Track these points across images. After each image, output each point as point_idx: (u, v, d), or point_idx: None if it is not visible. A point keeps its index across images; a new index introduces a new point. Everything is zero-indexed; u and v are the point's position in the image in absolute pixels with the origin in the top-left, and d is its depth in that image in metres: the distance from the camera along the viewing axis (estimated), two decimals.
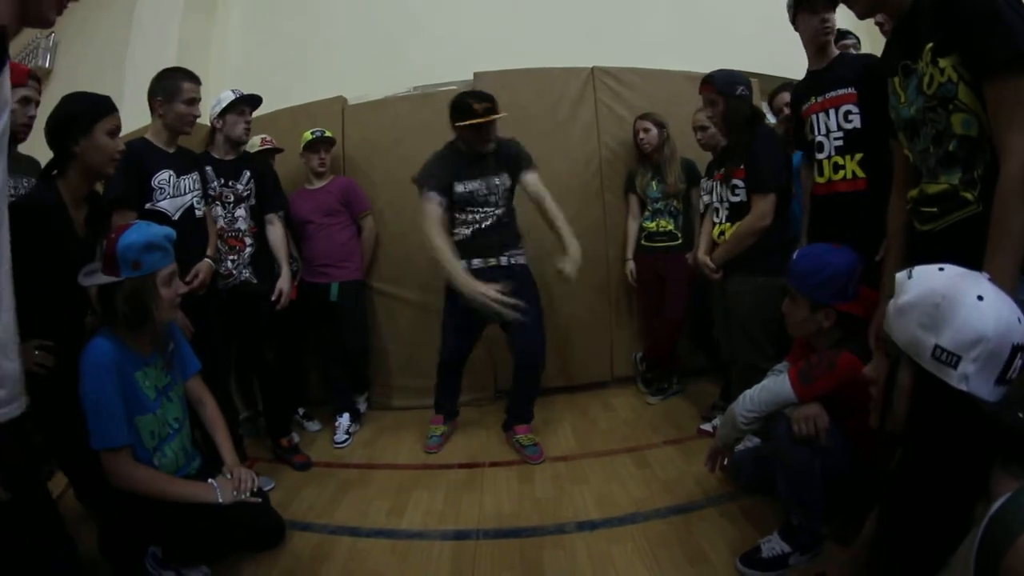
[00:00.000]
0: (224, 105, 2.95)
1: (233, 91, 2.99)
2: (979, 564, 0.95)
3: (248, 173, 3.06)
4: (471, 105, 2.88)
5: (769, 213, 2.60)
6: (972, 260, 1.18)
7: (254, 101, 3.06)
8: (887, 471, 1.27)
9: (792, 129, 2.63)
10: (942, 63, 1.40)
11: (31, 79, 2.42)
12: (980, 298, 1.03)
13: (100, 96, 2.10)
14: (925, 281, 1.10)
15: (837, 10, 2.26)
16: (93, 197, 2.17)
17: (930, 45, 1.43)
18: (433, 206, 2.89)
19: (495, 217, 3.07)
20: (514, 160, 3.06)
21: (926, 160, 1.54)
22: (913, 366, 1.09)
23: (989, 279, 1.09)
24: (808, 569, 1.93)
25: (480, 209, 3.05)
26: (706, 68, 3.89)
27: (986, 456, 1.02)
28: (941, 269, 1.11)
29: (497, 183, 3.04)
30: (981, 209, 1.39)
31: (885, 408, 1.17)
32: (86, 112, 2.04)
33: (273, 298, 3.01)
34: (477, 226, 3.05)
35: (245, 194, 3.04)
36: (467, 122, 2.87)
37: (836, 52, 2.35)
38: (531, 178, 3.03)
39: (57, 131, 2.03)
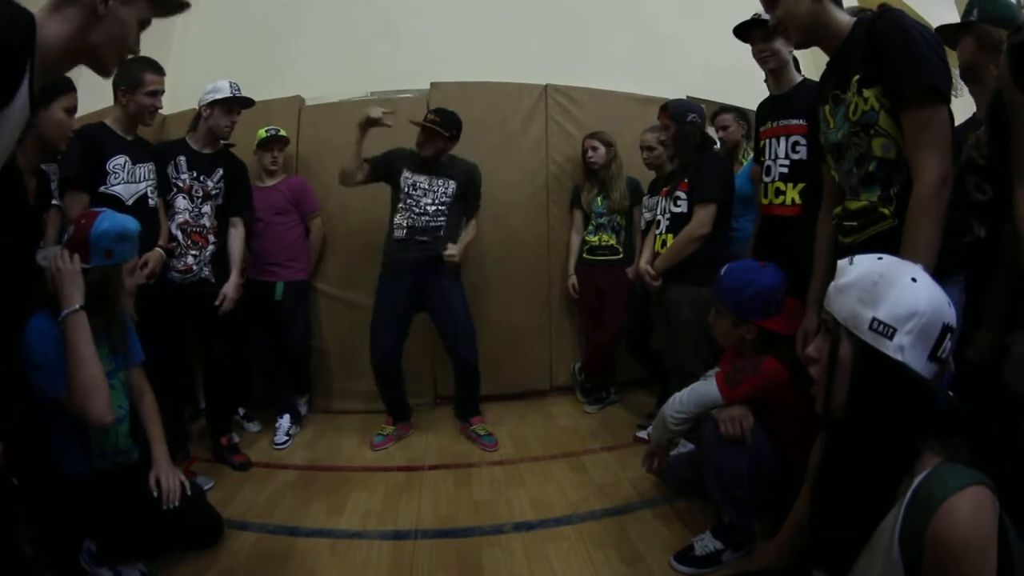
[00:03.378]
0: (218, 97, 2.91)
1: (231, 84, 2.95)
2: (904, 536, 1.04)
3: (221, 171, 3.01)
4: (428, 113, 3.23)
5: (708, 222, 2.73)
6: None
7: (247, 104, 3.04)
8: (815, 460, 1.37)
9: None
10: (866, 93, 1.55)
11: None
12: (914, 280, 1.13)
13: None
14: (864, 264, 1.20)
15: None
16: (40, 172, 2.14)
17: (857, 77, 1.58)
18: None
19: (433, 220, 3.24)
20: (468, 179, 3.33)
21: (849, 180, 1.69)
22: (853, 340, 1.17)
23: (923, 268, 1.19)
24: (740, 565, 2.02)
25: (418, 204, 3.23)
26: (656, 91, 4.09)
27: (918, 431, 1.10)
28: (880, 258, 1.21)
29: (440, 184, 3.26)
30: (896, 223, 1.54)
31: (828, 384, 1.22)
32: (47, 86, 2.02)
33: (217, 302, 2.94)
34: (416, 223, 3.23)
35: (214, 192, 2.99)
36: (412, 121, 3.23)
37: (799, 78, 2.45)
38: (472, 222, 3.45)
39: None
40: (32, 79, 1.06)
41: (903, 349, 1.10)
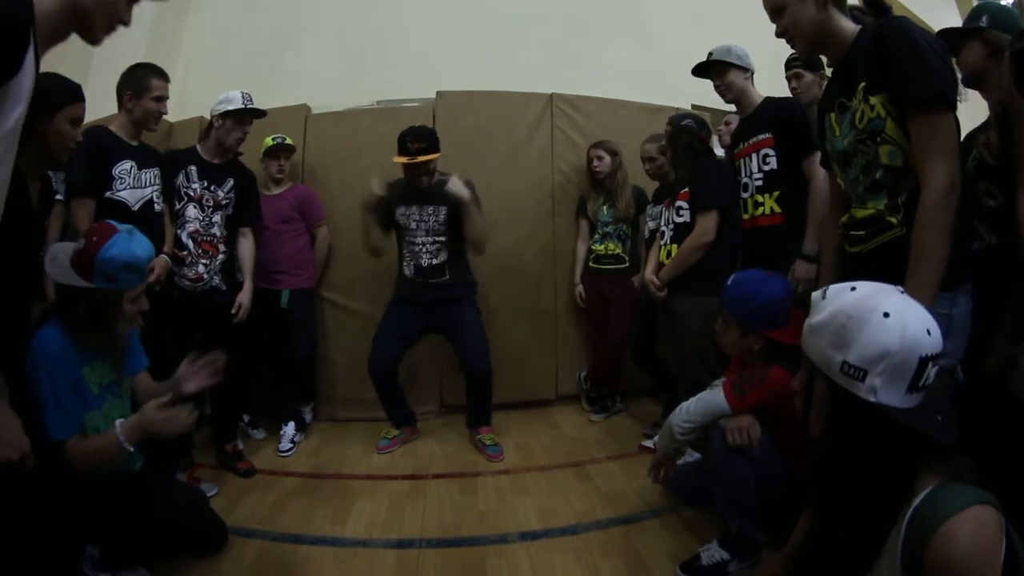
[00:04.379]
0: (230, 108, 2.92)
1: (243, 95, 2.96)
2: (904, 556, 1.03)
3: (232, 181, 3.03)
4: (407, 143, 3.10)
5: (711, 230, 2.75)
6: (896, 279, 1.29)
7: (259, 115, 3.06)
8: (814, 475, 1.37)
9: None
10: (872, 100, 1.54)
11: None
12: (886, 315, 1.09)
13: (72, 83, 2.10)
14: (835, 302, 1.16)
15: None
16: (45, 177, 2.15)
17: (863, 84, 1.57)
18: None
19: (434, 257, 3.26)
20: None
21: (855, 188, 1.68)
22: (827, 379, 1.16)
23: (902, 292, 1.16)
24: (747, 574, 2.01)
25: (415, 240, 3.26)
26: (661, 100, 4.09)
27: (906, 458, 1.09)
28: (853, 289, 1.17)
29: (431, 213, 3.23)
30: (904, 232, 1.52)
31: (805, 417, 1.25)
32: (55, 94, 2.03)
33: (233, 311, 3.00)
34: (419, 260, 3.26)
35: (225, 202, 3.01)
36: (398, 159, 3.13)
37: (760, 99, 2.61)
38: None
39: None
40: (36, 46, 1.10)
41: (876, 390, 1.09)
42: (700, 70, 2.68)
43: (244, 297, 3.04)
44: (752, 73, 2.67)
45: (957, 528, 0.97)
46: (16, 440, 1.14)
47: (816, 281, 2.17)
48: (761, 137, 2.49)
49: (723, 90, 2.63)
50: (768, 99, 2.62)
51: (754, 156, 2.50)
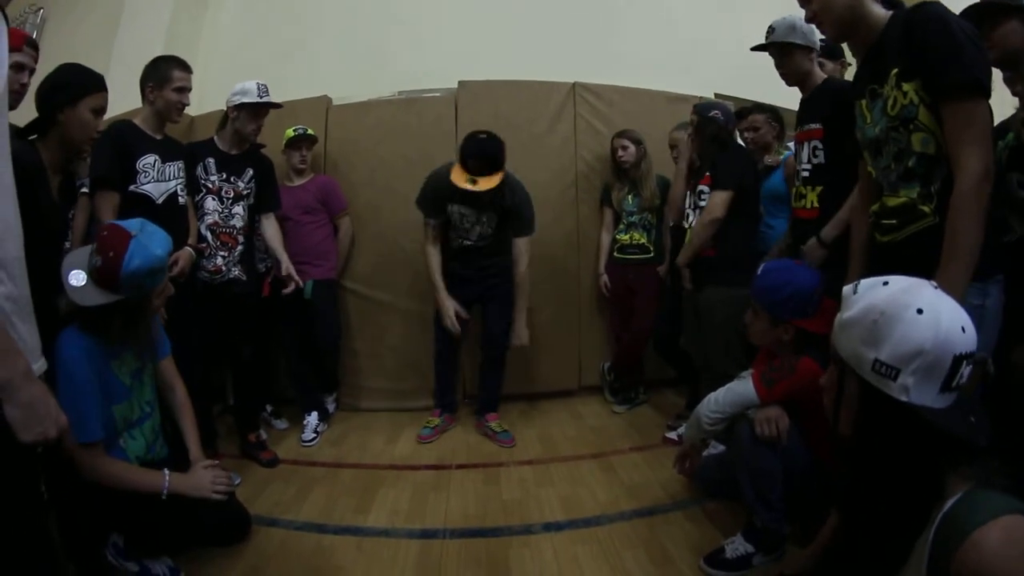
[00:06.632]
0: (246, 100, 2.93)
1: (259, 86, 2.97)
2: (931, 562, 1.01)
3: (251, 171, 3.04)
4: (466, 161, 3.01)
5: (720, 206, 2.74)
6: (928, 269, 1.26)
7: (274, 107, 3.07)
8: (843, 475, 1.34)
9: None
10: (905, 87, 1.51)
11: (28, 46, 2.29)
12: (920, 312, 1.06)
13: (95, 73, 2.12)
14: (867, 297, 1.13)
15: None
16: (67, 171, 2.17)
17: (895, 70, 1.53)
18: (429, 228, 3.32)
19: (482, 242, 3.30)
20: (514, 213, 3.25)
21: (887, 176, 1.64)
22: (857, 377, 1.13)
23: (935, 287, 1.12)
24: (771, 569, 1.98)
25: (468, 232, 3.29)
26: (684, 89, 4.04)
27: (936, 460, 1.06)
28: (885, 283, 1.14)
29: (485, 221, 3.26)
30: (937, 221, 1.49)
31: (835, 415, 1.22)
32: (78, 84, 2.06)
33: (286, 290, 3.11)
34: (464, 242, 3.31)
35: (246, 192, 3.03)
36: (455, 178, 3.01)
37: (821, 78, 2.42)
38: (521, 242, 3.32)
39: (46, 95, 2.04)
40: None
41: (908, 389, 1.06)
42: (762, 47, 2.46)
43: (289, 269, 3.11)
44: (816, 51, 2.43)
45: (987, 537, 0.94)
46: (54, 415, 1.09)
47: (839, 270, 2.13)
48: (812, 127, 2.32)
49: (783, 73, 2.43)
50: (827, 81, 2.40)
51: (805, 145, 2.35)
